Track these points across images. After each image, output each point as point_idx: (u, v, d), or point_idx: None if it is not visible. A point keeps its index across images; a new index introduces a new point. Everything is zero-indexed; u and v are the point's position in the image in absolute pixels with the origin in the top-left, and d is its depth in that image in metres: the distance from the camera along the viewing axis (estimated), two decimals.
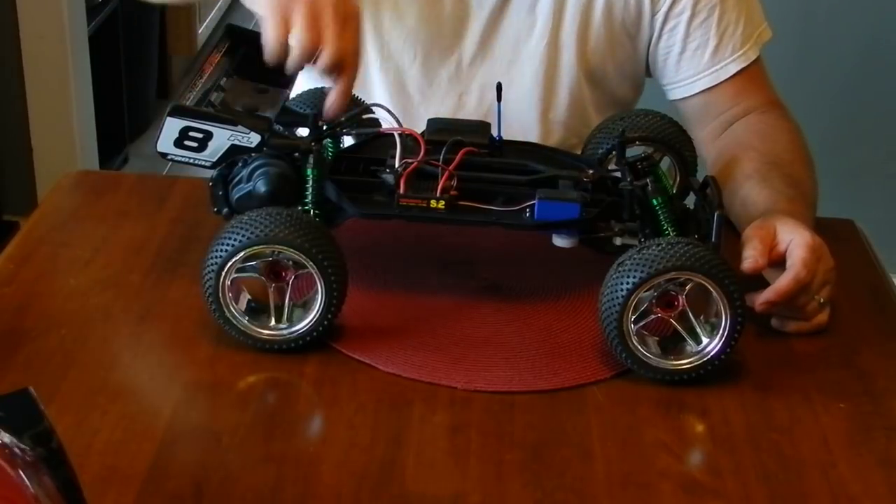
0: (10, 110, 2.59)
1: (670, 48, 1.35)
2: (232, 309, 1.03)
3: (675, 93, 1.38)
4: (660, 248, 1.00)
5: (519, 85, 1.35)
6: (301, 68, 1.06)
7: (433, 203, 1.06)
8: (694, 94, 1.36)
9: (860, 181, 2.64)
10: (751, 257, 1.08)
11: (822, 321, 1.12)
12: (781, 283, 1.07)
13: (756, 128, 1.32)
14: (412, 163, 1.07)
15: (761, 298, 1.08)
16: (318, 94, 1.24)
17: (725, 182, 1.20)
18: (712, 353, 1.02)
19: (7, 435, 0.70)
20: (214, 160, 1.06)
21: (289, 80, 1.16)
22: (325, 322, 1.03)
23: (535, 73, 1.35)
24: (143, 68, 3.19)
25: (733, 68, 1.35)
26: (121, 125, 3.06)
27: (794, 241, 1.09)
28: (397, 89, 1.36)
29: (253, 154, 1.07)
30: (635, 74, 1.40)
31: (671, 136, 1.21)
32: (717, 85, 1.35)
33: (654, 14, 1.34)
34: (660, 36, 1.35)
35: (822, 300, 1.11)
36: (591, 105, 1.39)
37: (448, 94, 1.36)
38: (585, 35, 1.34)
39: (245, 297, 1.05)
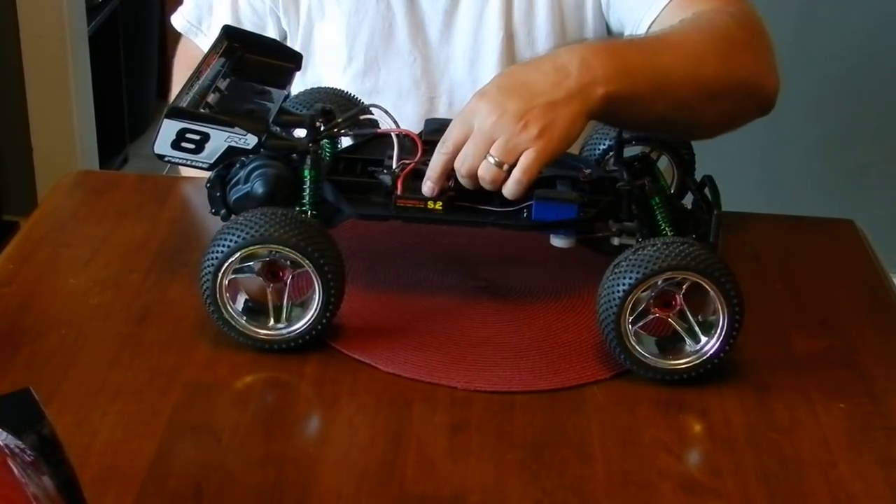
0: (10, 110, 2.60)
1: (609, 3, 1.32)
2: (230, 309, 1.03)
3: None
4: (655, 248, 1.00)
5: (483, 82, 1.34)
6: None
7: (430, 204, 1.06)
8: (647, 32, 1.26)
9: (860, 181, 2.64)
10: (428, 189, 1.05)
11: (513, 191, 1.02)
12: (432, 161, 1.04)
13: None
14: (409, 163, 1.06)
15: (424, 186, 1.04)
16: (316, 95, 1.24)
17: None
18: (710, 353, 1.02)
19: (7, 435, 0.70)
20: (212, 162, 1.06)
21: (287, 81, 1.16)
22: (324, 321, 1.03)
23: (494, 69, 1.34)
24: (143, 68, 3.20)
25: None
26: (121, 125, 3.06)
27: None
28: (367, 96, 1.36)
29: (250, 155, 1.07)
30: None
31: None
32: (660, 14, 1.24)
33: None
34: None
35: (495, 160, 1.00)
36: None
37: (419, 100, 1.37)
38: (531, 22, 1.34)
39: (242, 298, 1.05)
